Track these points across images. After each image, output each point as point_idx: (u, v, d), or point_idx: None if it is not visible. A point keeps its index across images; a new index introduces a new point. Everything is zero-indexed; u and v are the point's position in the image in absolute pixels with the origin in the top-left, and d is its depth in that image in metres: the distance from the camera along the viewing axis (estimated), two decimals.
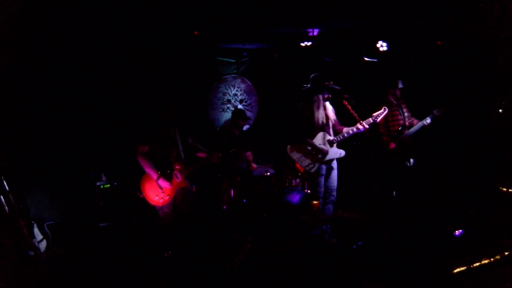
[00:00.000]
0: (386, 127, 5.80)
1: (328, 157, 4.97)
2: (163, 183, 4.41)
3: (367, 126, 4.69)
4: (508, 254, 3.65)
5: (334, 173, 5.12)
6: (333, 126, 5.09)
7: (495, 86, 5.60)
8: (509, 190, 5.07)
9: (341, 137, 4.96)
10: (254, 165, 6.22)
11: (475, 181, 5.67)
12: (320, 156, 4.96)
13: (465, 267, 3.54)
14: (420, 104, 5.98)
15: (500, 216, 4.69)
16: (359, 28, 6.17)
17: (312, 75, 5.06)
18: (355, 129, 4.84)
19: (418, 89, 6.44)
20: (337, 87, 4.94)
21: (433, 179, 6.01)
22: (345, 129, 4.98)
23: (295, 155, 5.10)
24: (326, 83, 4.93)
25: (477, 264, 3.57)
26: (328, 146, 4.97)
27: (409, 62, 6.44)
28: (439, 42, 6.09)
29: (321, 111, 4.99)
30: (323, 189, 5.09)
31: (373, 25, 6.00)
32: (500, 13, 4.66)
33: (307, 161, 5.02)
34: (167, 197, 4.43)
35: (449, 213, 5.14)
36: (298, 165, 5.18)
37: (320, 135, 4.99)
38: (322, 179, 5.05)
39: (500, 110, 5.54)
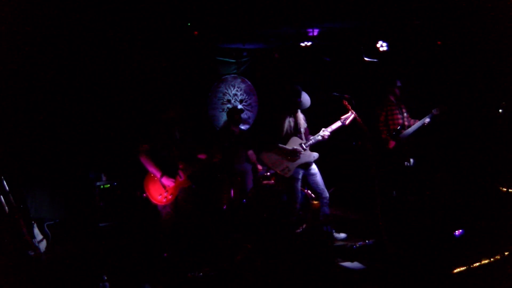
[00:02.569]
0: (386, 126, 5.78)
1: (302, 160, 4.94)
2: (167, 181, 4.41)
3: (328, 134, 4.82)
4: (508, 254, 3.65)
5: (318, 177, 5.06)
6: (304, 134, 5.06)
7: (495, 86, 5.59)
8: (509, 190, 5.06)
9: (311, 141, 4.95)
10: (259, 167, 6.18)
11: (475, 181, 5.66)
12: (295, 157, 4.92)
13: (465, 267, 3.54)
14: (420, 104, 5.98)
15: (500, 216, 4.68)
16: (359, 28, 6.17)
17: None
18: (320, 137, 4.88)
19: (418, 89, 6.44)
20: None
21: (433, 179, 6.01)
22: (311, 137, 5.00)
23: (270, 160, 5.01)
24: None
25: (477, 264, 3.57)
26: (301, 148, 4.95)
27: (409, 62, 6.44)
28: (439, 42, 6.08)
29: (291, 119, 4.99)
30: (299, 194, 5.07)
31: (373, 25, 6.00)
32: (500, 13, 4.66)
33: (282, 166, 4.95)
34: (170, 196, 4.44)
35: (449, 213, 5.14)
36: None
37: (293, 139, 4.97)
38: (298, 184, 5.01)
39: (500, 110, 5.54)
